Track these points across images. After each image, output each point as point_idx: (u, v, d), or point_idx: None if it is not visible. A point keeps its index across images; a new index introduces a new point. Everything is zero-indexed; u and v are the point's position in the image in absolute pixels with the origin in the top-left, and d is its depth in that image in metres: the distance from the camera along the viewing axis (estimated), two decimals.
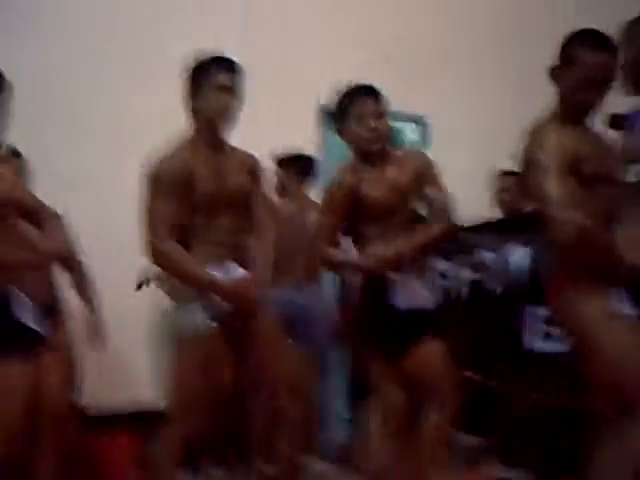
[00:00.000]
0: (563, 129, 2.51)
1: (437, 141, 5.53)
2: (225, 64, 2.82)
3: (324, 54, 5.12)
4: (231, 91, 2.81)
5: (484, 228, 4.05)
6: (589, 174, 2.48)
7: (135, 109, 4.52)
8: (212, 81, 2.78)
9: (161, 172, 2.74)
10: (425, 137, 5.66)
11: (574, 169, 2.44)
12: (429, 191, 2.97)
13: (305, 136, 5.10)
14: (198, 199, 2.75)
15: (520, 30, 5.77)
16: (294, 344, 3.91)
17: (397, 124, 5.47)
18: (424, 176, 2.97)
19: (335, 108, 2.98)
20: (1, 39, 4.30)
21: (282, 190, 4.40)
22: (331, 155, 4.76)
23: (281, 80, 4.97)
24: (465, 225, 4.20)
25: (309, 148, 5.05)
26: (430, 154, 5.53)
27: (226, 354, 2.83)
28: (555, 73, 2.55)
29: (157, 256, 2.74)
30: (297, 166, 4.42)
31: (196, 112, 2.82)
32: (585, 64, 2.47)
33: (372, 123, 2.87)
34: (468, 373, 3.90)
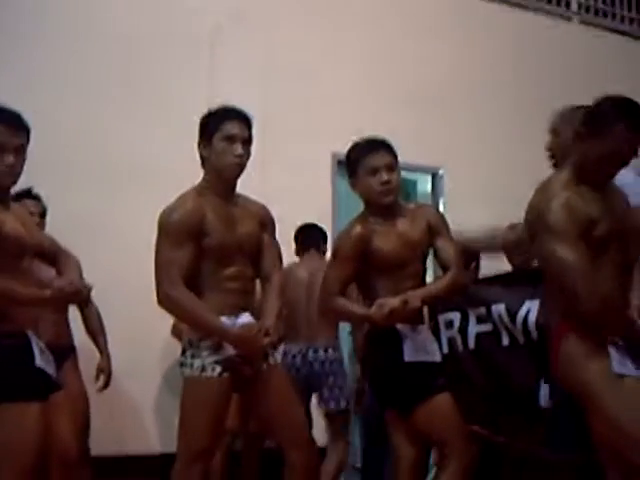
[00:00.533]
0: (577, 189, 2.50)
1: (450, 193, 5.58)
2: (234, 114, 2.88)
3: (340, 103, 5.21)
4: (240, 141, 2.85)
5: (493, 281, 4.04)
6: (599, 238, 2.48)
7: (153, 157, 4.59)
8: (221, 131, 2.84)
9: (172, 219, 2.79)
10: (438, 189, 5.70)
11: (585, 233, 2.44)
12: (440, 244, 2.98)
13: (320, 185, 5.16)
14: (208, 247, 2.79)
15: (538, 83, 5.85)
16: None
17: (410, 175, 5.54)
18: (435, 229, 3.00)
19: (347, 160, 3.02)
20: (20, 79, 4.38)
21: (298, 254, 4.41)
22: (345, 204, 4.80)
23: (297, 128, 5.04)
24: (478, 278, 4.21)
25: (324, 196, 5.11)
26: (442, 206, 5.67)
27: (230, 400, 2.86)
28: (582, 136, 2.52)
29: (167, 301, 2.77)
30: (311, 235, 4.42)
31: (207, 161, 2.88)
32: (617, 142, 2.45)
33: (384, 176, 2.90)
34: (475, 427, 3.88)
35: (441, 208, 5.66)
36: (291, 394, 2.92)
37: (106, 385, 3.85)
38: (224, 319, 2.79)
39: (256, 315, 2.88)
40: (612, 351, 2.44)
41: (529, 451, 3.62)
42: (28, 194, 3.63)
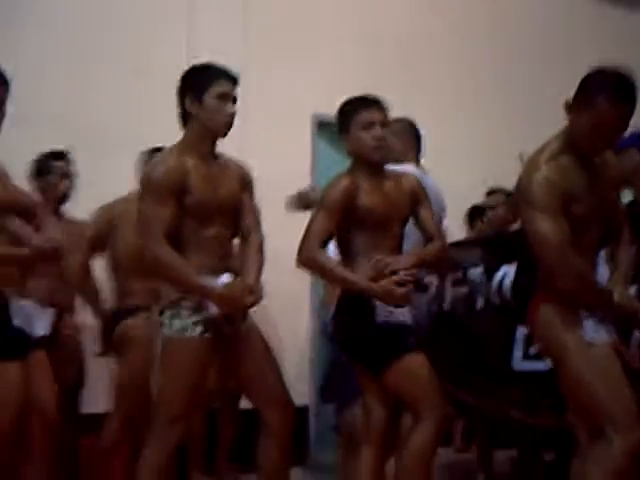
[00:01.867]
0: (563, 162, 2.50)
1: (431, 154, 5.57)
2: (226, 72, 2.84)
3: (320, 65, 5.14)
4: (231, 99, 2.83)
5: (471, 244, 4.09)
6: (578, 215, 2.49)
7: (129, 119, 4.53)
8: (214, 88, 2.79)
9: (155, 176, 2.76)
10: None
11: (565, 209, 2.46)
12: (423, 214, 2.98)
13: (299, 146, 5.13)
14: (190, 205, 2.77)
15: (524, 50, 5.82)
16: None
17: None
18: (419, 198, 2.98)
19: (340, 114, 2.96)
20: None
21: None
22: (324, 166, 4.79)
23: (276, 89, 5.00)
24: (452, 242, 4.24)
25: (303, 156, 5.08)
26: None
27: (212, 361, 2.85)
28: (570, 109, 2.50)
29: (152, 259, 2.75)
30: None
31: (193, 118, 2.83)
32: (602, 114, 2.41)
33: (379, 131, 2.86)
34: (450, 388, 3.94)
35: None
36: (268, 355, 2.91)
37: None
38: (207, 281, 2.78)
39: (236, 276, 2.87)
40: (585, 319, 2.50)
41: (503, 413, 3.69)
42: (59, 155, 3.75)
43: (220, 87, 2.80)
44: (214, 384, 3.76)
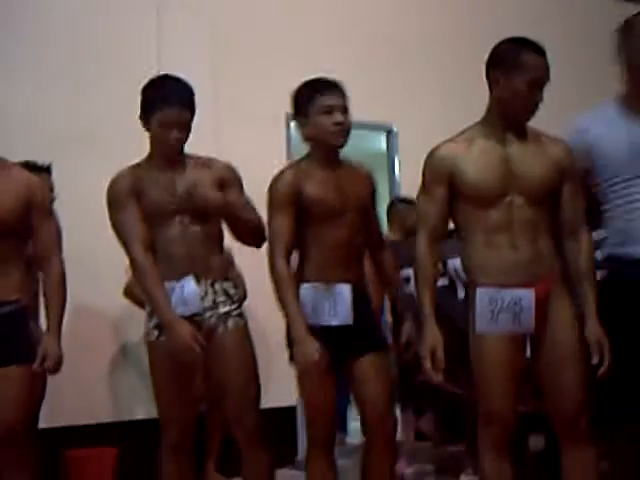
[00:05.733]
0: (465, 144, 2.61)
1: (404, 150, 5.57)
2: (173, 97, 2.78)
3: (292, 58, 5.13)
4: (175, 105, 2.78)
5: (449, 235, 4.08)
6: (468, 193, 2.56)
7: (109, 122, 4.52)
8: (159, 112, 2.76)
9: (114, 188, 2.83)
10: (392, 146, 5.70)
11: (453, 187, 2.57)
12: (373, 215, 2.94)
13: (273, 142, 5.11)
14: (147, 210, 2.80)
15: (496, 34, 5.83)
16: None
17: (365, 133, 5.53)
18: (372, 196, 2.93)
19: (297, 98, 2.85)
20: None
21: None
22: None
23: (249, 85, 4.98)
24: None
25: (278, 154, 5.06)
26: (398, 163, 5.67)
27: (181, 364, 2.80)
28: (495, 82, 2.57)
29: (133, 268, 2.80)
30: None
31: (147, 129, 2.84)
32: (534, 67, 2.50)
33: (339, 117, 2.76)
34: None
35: (396, 165, 5.67)
36: (241, 361, 2.80)
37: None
38: (171, 288, 2.77)
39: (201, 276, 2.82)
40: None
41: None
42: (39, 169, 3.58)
43: (166, 113, 2.76)
44: (199, 388, 3.74)
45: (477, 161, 2.56)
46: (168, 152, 2.83)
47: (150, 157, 2.89)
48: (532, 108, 2.58)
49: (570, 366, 2.50)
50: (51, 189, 3.70)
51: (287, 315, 2.67)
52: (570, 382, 2.50)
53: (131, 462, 4.25)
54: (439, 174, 2.59)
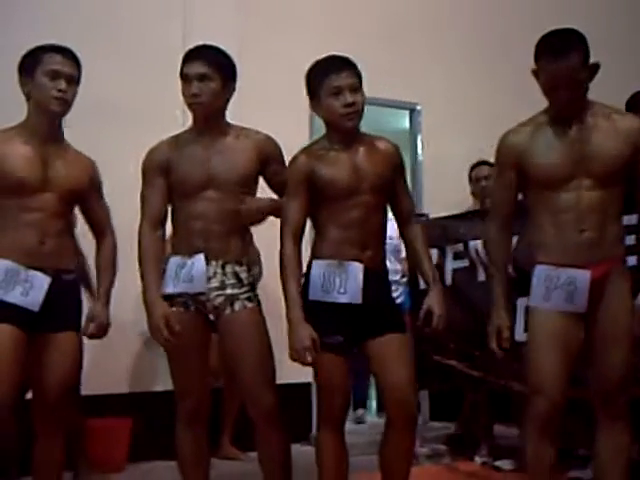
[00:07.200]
0: (532, 129, 2.65)
1: (428, 129, 5.53)
2: (194, 53, 2.83)
3: (314, 38, 5.08)
4: (205, 79, 2.79)
5: (470, 217, 4.06)
6: (537, 177, 2.62)
7: (134, 96, 4.49)
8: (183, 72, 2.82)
9: (144, 160, 2.89)
10: (415, 125, 5.65)
11: (522, 171, 2.65)
12: (399, 188, 2.88)
13: (296, 121, 5.08)
14: (174, 186, 2.84)
15: (515, 22, 5.76)
16: None
17: (388, 111, 5.48)
18: (396, 170, 2.86)
19: (307, 80, 2.81)
20: None
21: None
22: None
23: (271, 65, 4.95)
24: (451, 214, 4.22)
25: (301, 138, 5.04)
26: (420, 142, 5.62)
27: (198, 336, 2.84)
28: (536, 76, 2.64)
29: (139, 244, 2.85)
30: None
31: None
32: (549, 73, 2.55)
33: (348, 98, 2.70)
34: (452, 362, 3.93)
35: (419, 144, 5.62)
36: (251, 341, 2.78)
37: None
38: (179, 264, 2.81)
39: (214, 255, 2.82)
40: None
41: (504, 385, 3.69)
42: None
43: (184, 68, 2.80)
44: (215, 362, 3.75)
45: (545, 145, 2.63)
46: (196, 111, 2.83)
47: (192, 126, 2.91)
48: (563, 105, 2.59)
49: (619, 346, 2.58)
50: None
51: (285, 298, 2.70)
52: (617, 359, 2.58)
53: (146, 432, 4.30)
54: (508, 160, 2.70)
